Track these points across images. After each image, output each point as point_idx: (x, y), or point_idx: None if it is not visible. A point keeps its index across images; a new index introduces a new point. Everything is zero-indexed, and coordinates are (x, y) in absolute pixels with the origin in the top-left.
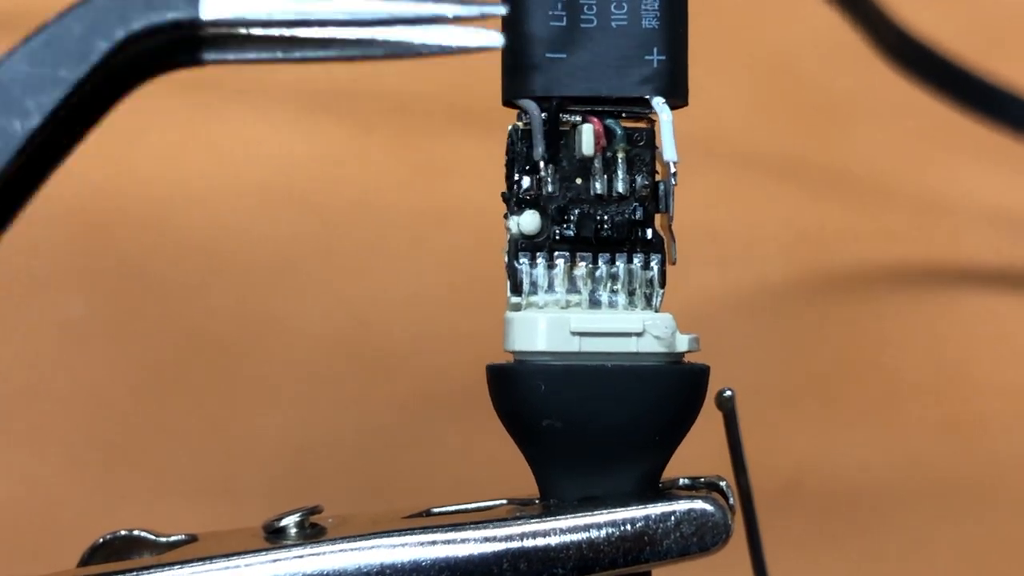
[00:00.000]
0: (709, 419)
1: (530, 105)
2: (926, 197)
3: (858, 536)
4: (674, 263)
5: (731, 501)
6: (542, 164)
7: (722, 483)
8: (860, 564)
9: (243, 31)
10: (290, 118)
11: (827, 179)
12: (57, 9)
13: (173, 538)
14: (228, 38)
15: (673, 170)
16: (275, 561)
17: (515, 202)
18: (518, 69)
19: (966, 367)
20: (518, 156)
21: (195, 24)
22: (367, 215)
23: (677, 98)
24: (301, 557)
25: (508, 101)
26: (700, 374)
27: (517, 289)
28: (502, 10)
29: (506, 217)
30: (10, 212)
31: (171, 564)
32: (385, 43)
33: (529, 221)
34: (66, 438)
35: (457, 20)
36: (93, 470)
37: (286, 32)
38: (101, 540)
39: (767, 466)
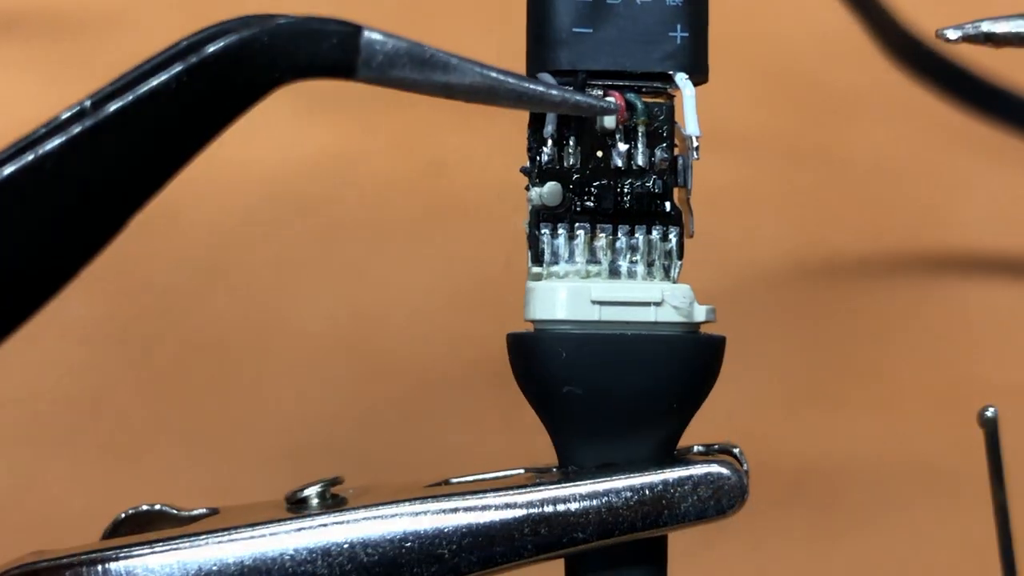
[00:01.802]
0: (720, 390)
1: (547, 78)
2: (930, 192)
3: (861, 533)
4: (691, 236)
5: (745, 466)
6: (550, 141)
7: (735, 449)
8: (860, 561)
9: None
10: (291, 117)
11: (829, 174)
12: (56, 10)
13: (195, 512)
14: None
15: (696, 144)
16: (299, 530)
17: (537, 174)
18: (544, 42)
19: (970, 363)
20: (540, 128)
21: (350, 74)
22: (368, 214)
23: (699, 74)
24: (325, 526)
25: (532, 74)
26: (717, 344)
27: (538, 259)
28: (612, 115)
29: (527, 188)
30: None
31: (197, 535)
32: (513, 98)
33: (551, 192)
34: (66, 439)
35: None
36: (93, 471)
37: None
38: (123, 515)
39: (769, 464)
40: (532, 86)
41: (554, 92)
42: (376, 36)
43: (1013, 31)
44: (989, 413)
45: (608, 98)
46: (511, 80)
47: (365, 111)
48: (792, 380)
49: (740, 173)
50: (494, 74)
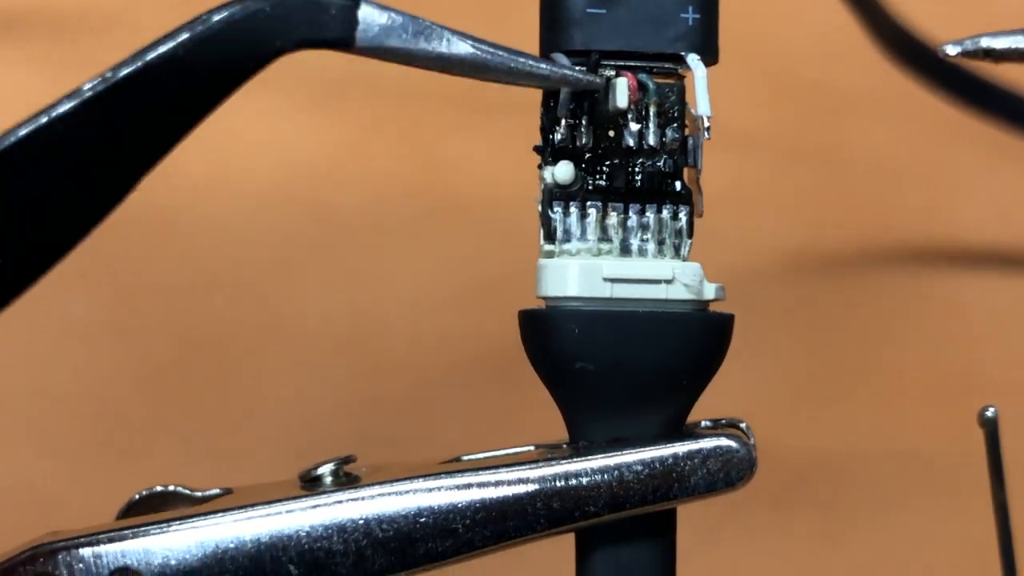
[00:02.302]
0: (720, 387)
1: (561, 59)
2: (930, 191)
3: (861, 531)
4: (701, 215)
5: (752, 440)
6: (563, 120)
7: (742, 424)
8: (860, 560)
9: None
10: (291, 116)
11: (829, 174)
12: (56, 10)
13: (208, 492)
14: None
15: (707, 124)
16: (315, 507)
17: (550, 152)
18: (558, 23)
19: (970, 360)
20: (553, 109)
21: (349, 45)
22: (368, 214)
23: (709, 55)
24: (341, 502)
25: (545, 54)
26: (726, 322)
27: (550, 237)
28: (599, 86)
29: (540, 168)
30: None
31: (213, 513)
32: (503, 71)
33: (563, 171)
34: (66, 438)
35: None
36: (93, 470)
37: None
38: (137, 496)
39: (769, 462)
40: (522, 59)
41: (543, 66)
42: (374, 8)
43: (1012, 47)
44: (989, 413)
45: (620, 78)
46: (502, 53)
47: (365, 111)
48: (792, 378)
49: (741, 172)
50: (486, 47)
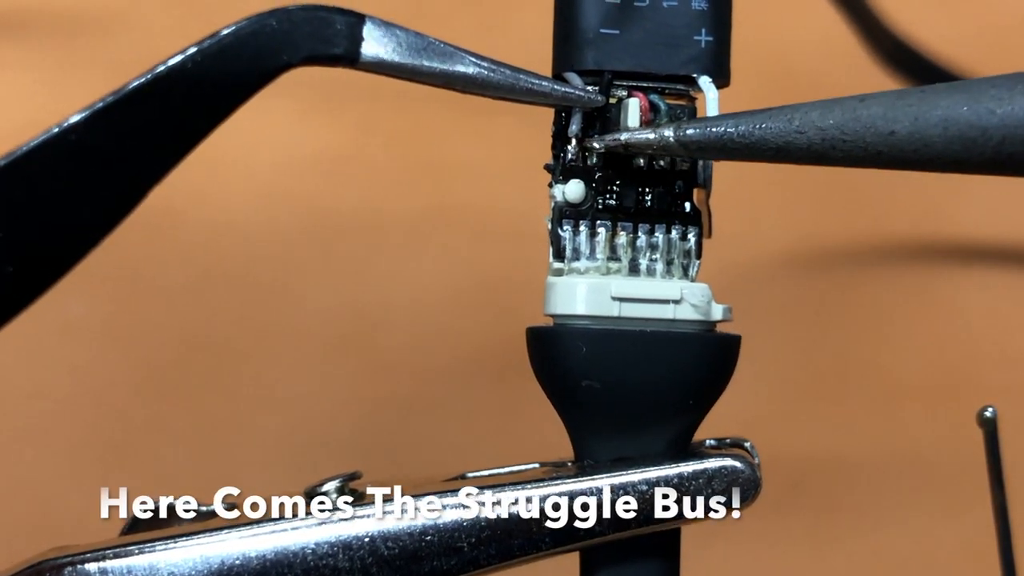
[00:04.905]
0: (733, 389)
1: (574, 79)
2: (930, 187)
3: (860, 532)
4: (710, 236)
5: (757, 459)
6: (574, 140)
7: (746, 443)
8: (859, 561)
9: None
10: (290, 118)
11: (829, 171)
12: (54, 10)
13: (213, 507)
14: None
15: None
16: (320, 524)
17: (560, 171)
18: (571, 42)
19: (970, 358)
20: (564, 128)
21: (353, 61)
22: (367, 215)
23: (721, 78)
24: (346, 520)
25: (557, 73)
26: (733, 343)
27: (560, 255)
28: (599, 104)
29: (551, 186)
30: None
31: (218, 529)
32: (505, 88)
33: (574, 190)
34: (66, 438)
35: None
36: (93, 470)
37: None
38: (142, 510)
39: (768, 462)
40: (524, 77)
41: (544, 84)
42: (378, 25)
43: (642, 140)
44: (988, 413)
45: (632, 99)
46: (504, 71)
47: (365, 112)
48: (791, 378)
49: (740, 170)
50: (488, 64)
